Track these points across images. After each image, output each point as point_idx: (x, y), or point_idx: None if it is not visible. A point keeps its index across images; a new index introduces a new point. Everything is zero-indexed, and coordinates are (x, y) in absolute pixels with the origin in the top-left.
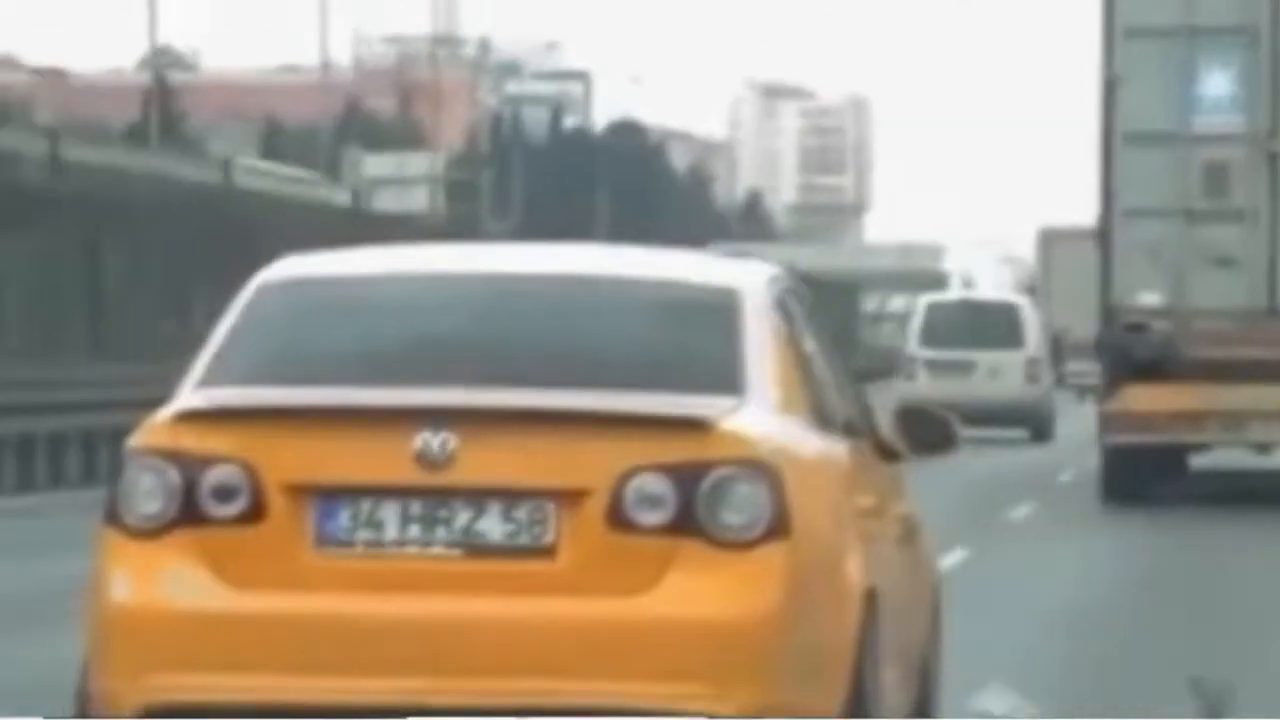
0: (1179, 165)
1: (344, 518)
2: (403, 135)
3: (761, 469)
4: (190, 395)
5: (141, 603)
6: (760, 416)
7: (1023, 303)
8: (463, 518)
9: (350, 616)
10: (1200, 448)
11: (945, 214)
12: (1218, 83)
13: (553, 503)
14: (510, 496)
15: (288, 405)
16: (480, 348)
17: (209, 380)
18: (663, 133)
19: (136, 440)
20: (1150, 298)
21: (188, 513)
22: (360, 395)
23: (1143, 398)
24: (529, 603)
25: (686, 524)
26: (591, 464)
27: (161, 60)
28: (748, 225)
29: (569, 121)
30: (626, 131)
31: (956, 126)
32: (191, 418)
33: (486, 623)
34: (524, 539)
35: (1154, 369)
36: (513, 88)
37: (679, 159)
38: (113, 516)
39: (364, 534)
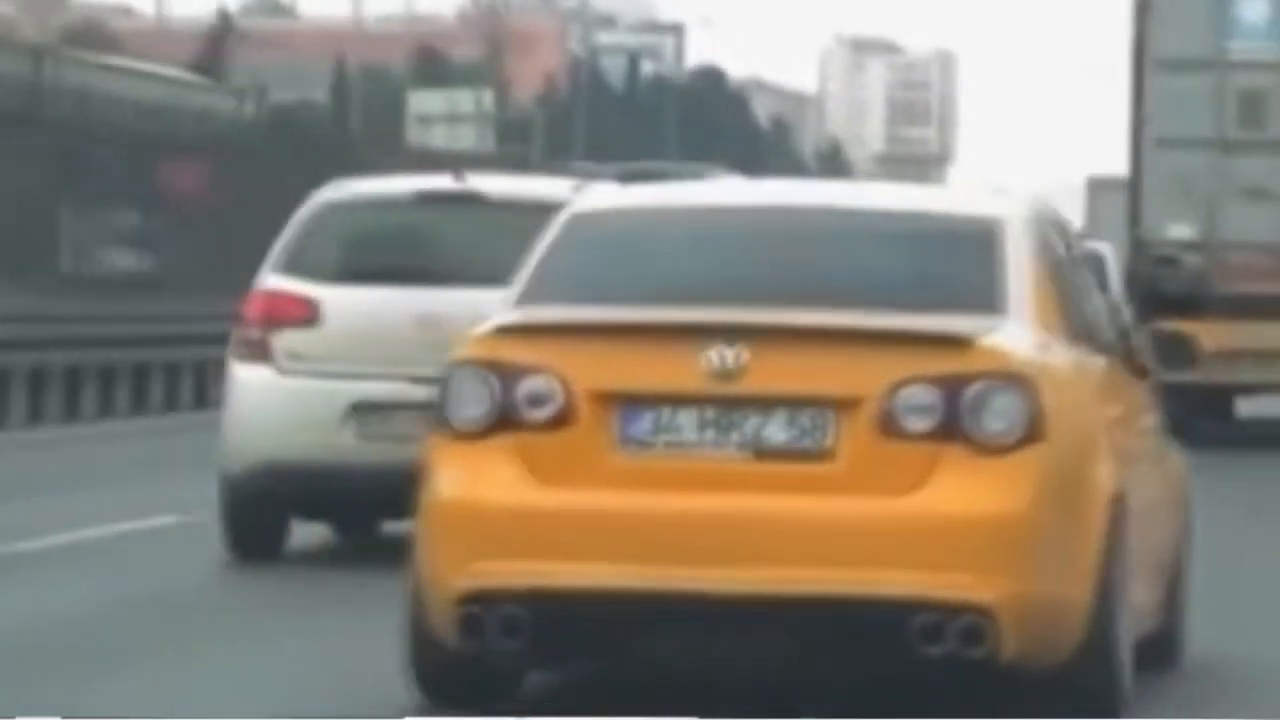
0: (1213, 93)
1: (646, 422)
2: (480, 79)
3: (1018, 380)
4: (508, 312)
5: (465, 497)
6: (1018, 333)
7: (1107, 251)
8: (752, 423)
9: (650, 510)
10: (1245, 390)
11: (1026, 163)
12: (1255, 7)
13: (831, 410)
14: (794, 404)
15: (595, 322)
16: (765, 271)
17: (525, 299)
18: (747, 82)
19: (461, 352)
20: (1181, 230)
21: (506, 417)
22: (660, 313)
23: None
24: (811, 500)
25: (951, 430)
26: (866, 375)
27: (263, 7)
28: (829, 172)
29: (650, 69)
30: (708, 79)
31: (1036, 78)
32: (509, 332)
33: (773, 517)
34: (806, 443)
35: (1184, 304)
36: (605, 38)
37: (768, 110)
38: (439, 420)
39: (663, 437)
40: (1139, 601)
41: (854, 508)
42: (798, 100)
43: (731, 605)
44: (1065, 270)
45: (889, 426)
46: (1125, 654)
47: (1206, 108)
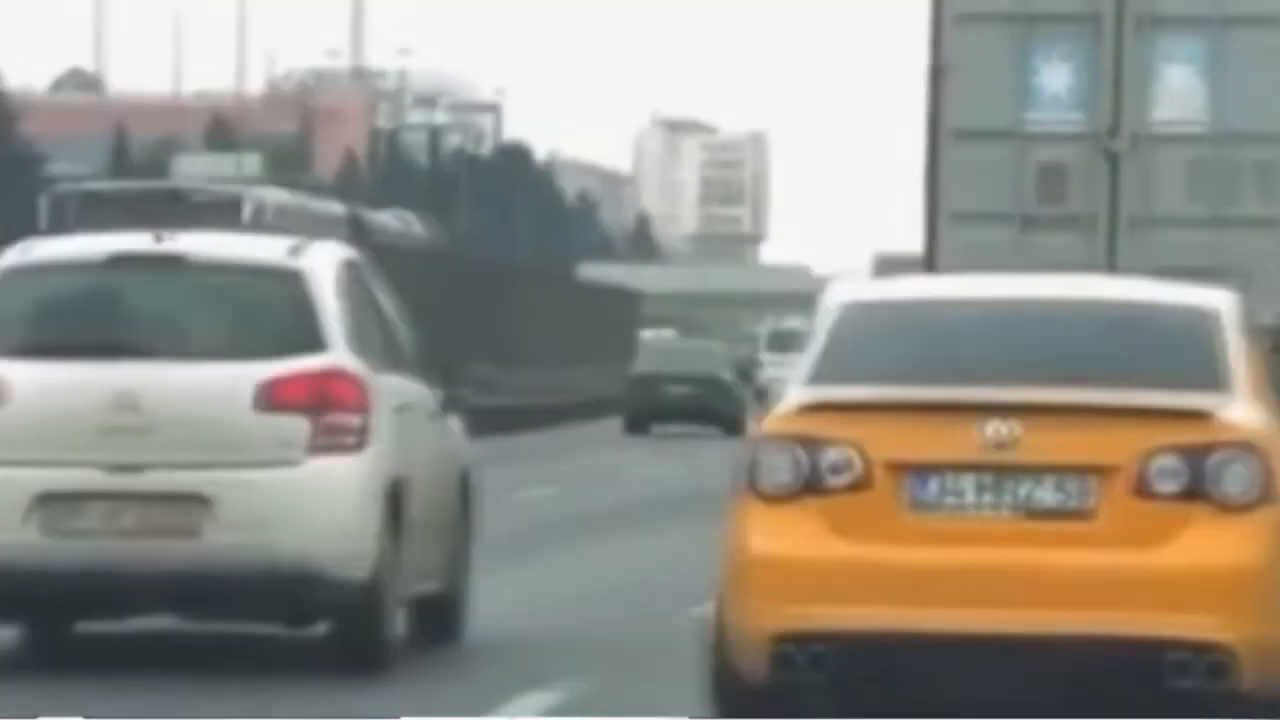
0: (1011, 166)
1: (932, 487)
2: (280, 152)
3: (1253, 449)
4: (803, 392)
5: (776, 551)
6: (1244, 408)
7: None
8: (1024, 487)
9: (937, 563)
10: None
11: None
12: (1056, 76)
13: (1093, 476)
14: (1060, 471)
15: (887, 400)
16: (1022, 354)
17: (815, 379)
18: (564, 161)
19: (768, 427)
20: None
21: (811, 483)
22: (942, 393)
23: None
24: (1076, 553)
25: (1196, 492)
26: (1121, 446)
27: (74, 81)
28: (637, 249)
29: (454, 144)
30: (513, 156)
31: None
32: (813, 409)
33: (1044, 568)
34: (1071, 504)
35: None
36: (418, 117)
37: (585, 188)
38: (749, 485)
39: (947, 499)
40: None
41: (1114, 560)
42: (614, 179)
43: (1007, 643)
44: (1258, 355)
45: (1142, 489)
46: None
47: (1004, 181)
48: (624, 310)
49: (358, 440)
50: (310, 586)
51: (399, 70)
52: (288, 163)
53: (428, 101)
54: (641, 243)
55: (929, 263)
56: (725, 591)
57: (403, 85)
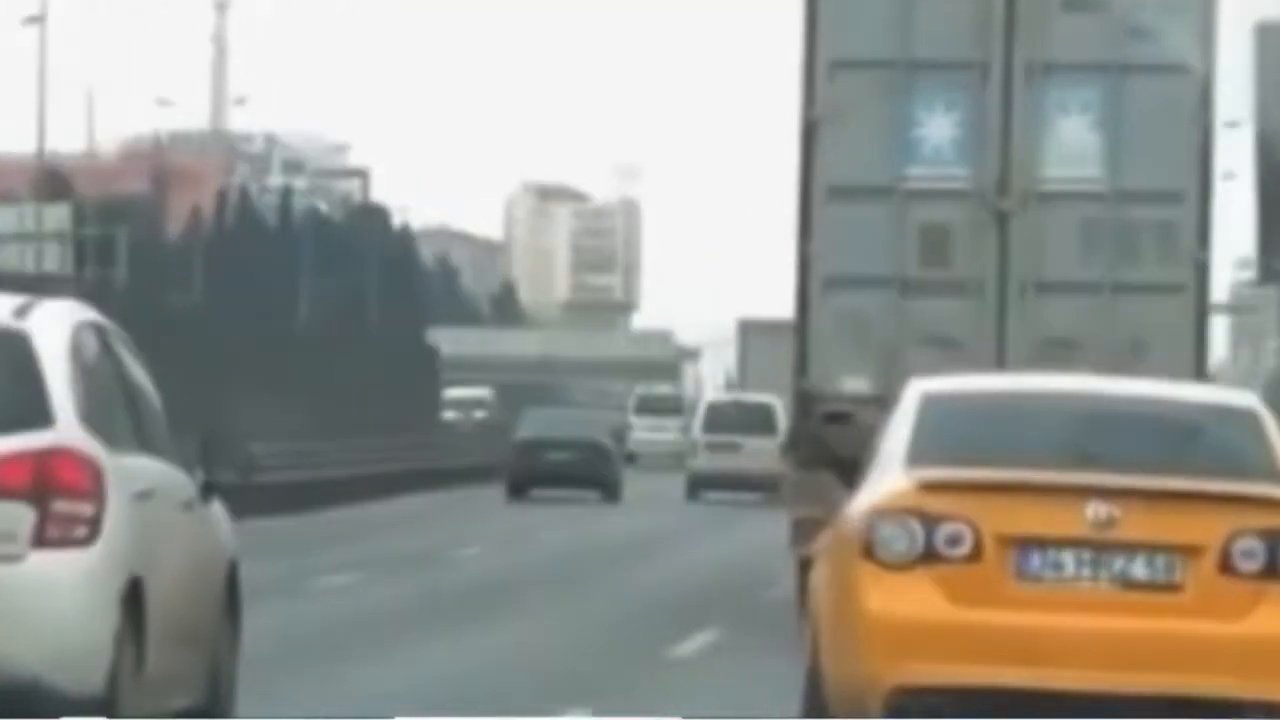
0: (890, 226)
1: (1036, 560)
2: (120, 211)
3: None
4: (908, 472)
5: (896, 614)
6: None
7: (776, 401)
8: (1120, 562)
9: (1042, 628)
10: None
11: (711, 307)
12: (939, 127)
13: (1180, 554)
14: (1153, 549)
15: (999, 481)
16: (1102, 445)
17: (914, 462)
18: (407, 221)
19: (885, 503)
20: (855, 383)
21: (928, 553)
22: (1046, 476)
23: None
24: (1165, 622)
25: (1273, 571)
26: (1207, 528)
27: None
28: (501, 316)
29: (304, 206)
30: (370, 219)
31: (721, 221)
32: (929, 488)
33: (1138, 635)
34: (1161, 578)
35: (858, 468)
36: (283, 181)
37: (456, 256)
38: (868, 554)
39: (1050, 572)
40: None
41: (1199, 629)
42: (487, 247)
43: (1103, 701)
44: None
45: (1225, 567)
46: None
47: (882, 242)
48: (425, 373)
49: (89, 532)
50: (34, 702)
51: (266, 134)
52: (132, 221)
53: (294, 166)
54: (506, 309)
55: (801, 330)
56: (846, 647)
57: (270, 149)
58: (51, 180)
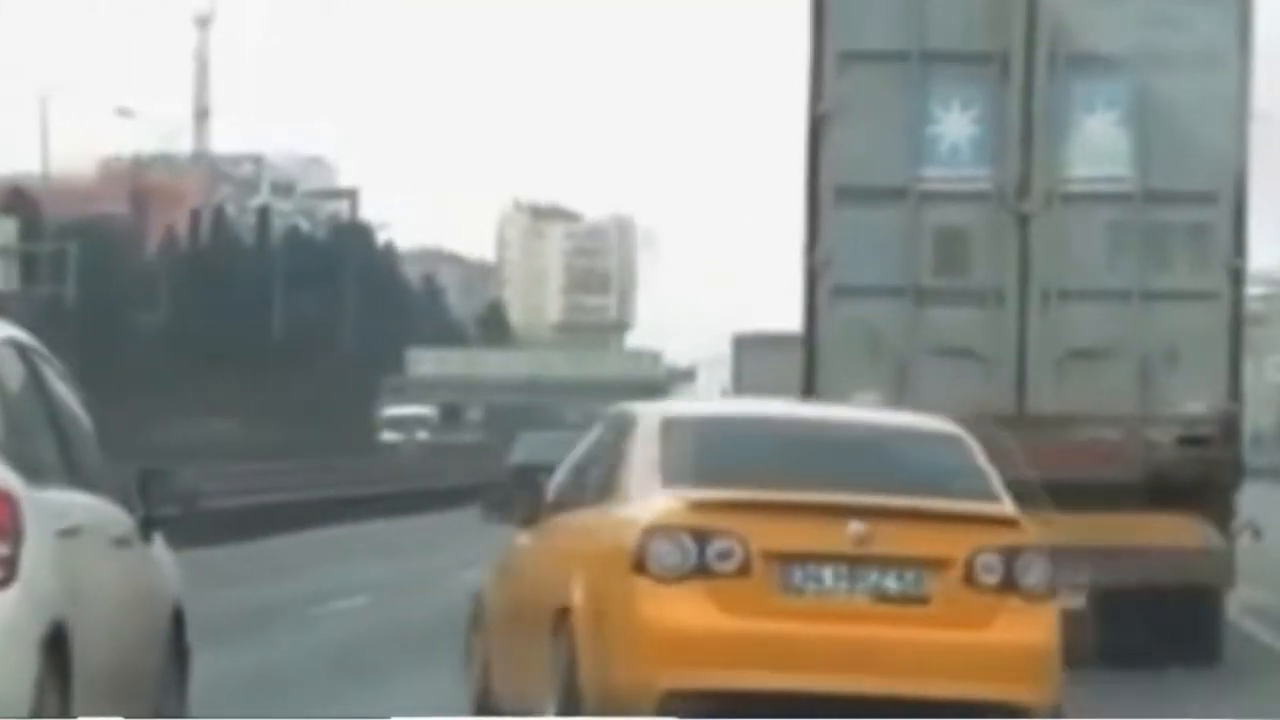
0: (903, 229)
1: (799, 574)
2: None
3: (1043, 549)
4: (671, 492)
5: (669, 624)
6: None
7: None
8: (874, 576)
9: (804, 637)
10: None
11: (710, 325)
12: (956, 124)
13: (928, 568)
14: (903, 563)
15: (767, 500)
16: (844, 467)
17: (671, 483)
18: (391, 241)
19: (658, 520)
20: (866, 398)
21: (699, 567)
22: (808, 496)
23: None
24: (914, 631)
25: (1008, 584)
26: (952, 544)
27: None
28: (488, 336)
29: (285, 225)
30: (354, 238)
31: (716, 239)
32: (700, 507)
33: (888, 643)
34: (911, 590)
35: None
36: (273, 203)
37: (446, 277)
38: (640, 569)
39: (812, 585)
40: None
41: (944, 638)
42: (478, 267)
43: (859, 703)
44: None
45: (969, 580)
46: None
47: (896, 248)
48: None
49: (4, 574)
50: None
51: (254, 155)
52: (107, 240)
53: (283, 188)
54: (494, 330)
55: (808, 341)
56: (619, 653)
57: (258, 171)
58: (14, 197)
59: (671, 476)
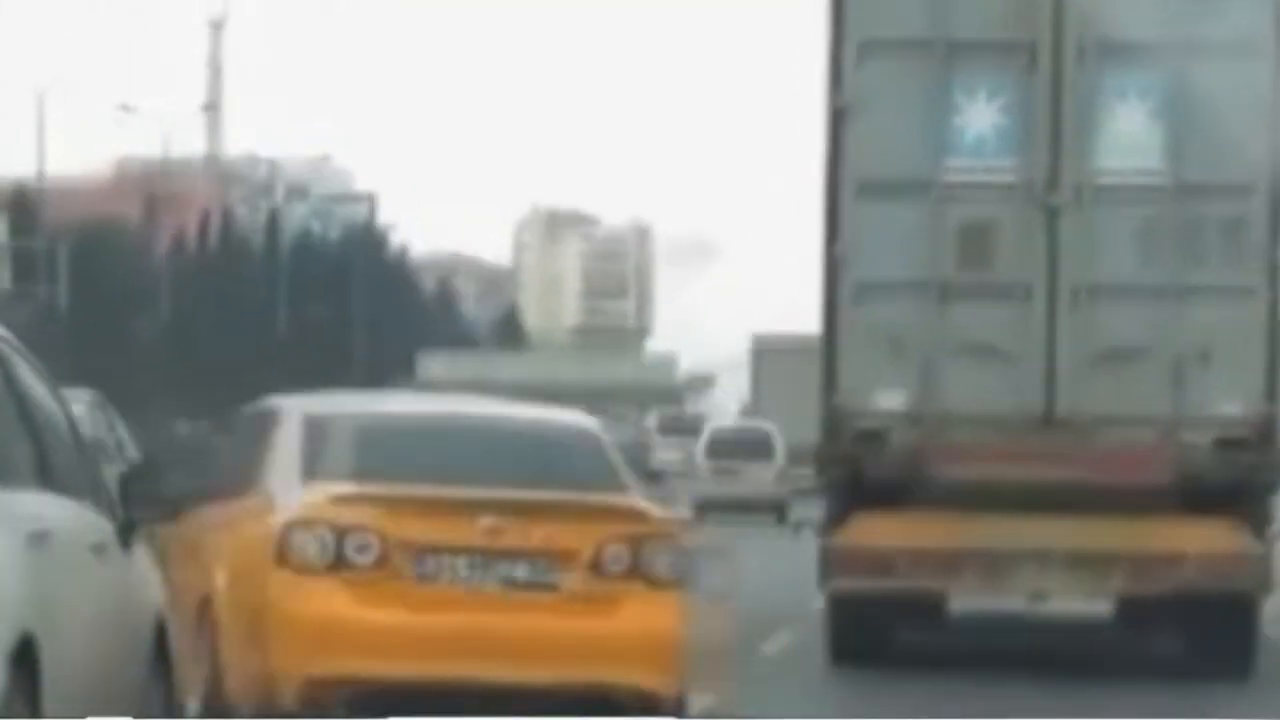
0: (927, 224)
1: (433, 565)
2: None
3: (674, 537)
4: (311, 486)
5: (309, 614)
6: (648, 504)
7: (773, 428)
8: (504, 567)
9: (437, 625)
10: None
11: (733, 328)
12: (981, 115)
13: (557, 558)
14: (534, 554)
15: (402, 495)
16: (482, 463)
17: (312, 477)
18: (406, 245)
19: (297, 515)
20: (890, 399)
21: (338, 560)
22: (441, 491)
23: (878, 530)
24: (544, 619)
25: (634, 573)
26: (580, 535)
27: None
28: (504, 341)
29: (297, 230)
30: (366, 242)
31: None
32: (338, 501)
33: (519, 631)
34: (541, 580)
35: (893, 493)
36: (286, 207)
37: (463, 283)
38: (282, 561)
39: (445, 575)
40: None
41: (575, 625)
42: (495, 273)
43: (493, 688)
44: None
45: (596, 569)
46: None
47: (919, 244)
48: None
49: None
50: None
51: (269, 159)
52: (111, 242)
53: (298, 191)
54: (509, 335)
55: (828, 341)
56: (266, 643)
57: (273, 175)
58: (15, 197)
59: (312, 471)
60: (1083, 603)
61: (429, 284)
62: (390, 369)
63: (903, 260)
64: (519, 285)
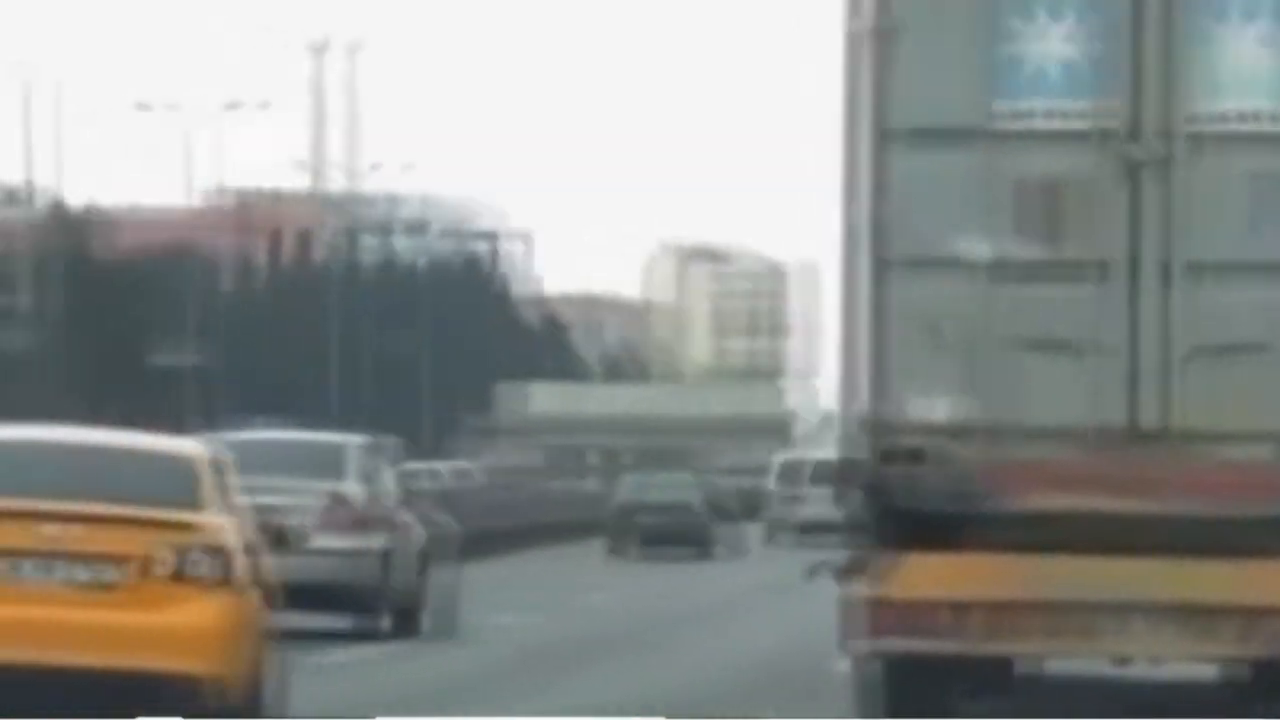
0: (975, 182)
1: (4, 567)
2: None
3: (216, 546)
4: None
5: None
6: (216, 519)
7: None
8: (65, 568)
9: (7, 618)
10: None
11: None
12: (1043, 42)
13: (112, 562)
14: (90, 558)
15: None
16: (59, 480)
17: None
18: (507, 277)
19: None
20: (928, 406)
21: None
22: (6, 504)
23: (915, 578)
24: (101, 614)
25: (179, 575)
26: (133, 542)
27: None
28: (615, 375)
29: (401, 258)
30: (469, 274)
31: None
32: None
33: (78, 623)
34: (98, 580)
35: (935, 529)
36: (405, 241)
37: (597, 324)
38: None
39: (13, 575)
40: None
41: (128, 619)
42: (626, 308)
43: (34, 672)
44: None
45: (147, 571)
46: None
47: (965, 206)
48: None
49: None
50: None
51: (388, 195)
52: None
53: (417, 227)
54: (620, 371)
55: (847, 331)
56: None
57: (391, 209)
58: (58, 228)
59: None
60: (1182, 666)
61: (568, 317)
62: (463, 401)
63: (945, 228)
64: (649, 321)
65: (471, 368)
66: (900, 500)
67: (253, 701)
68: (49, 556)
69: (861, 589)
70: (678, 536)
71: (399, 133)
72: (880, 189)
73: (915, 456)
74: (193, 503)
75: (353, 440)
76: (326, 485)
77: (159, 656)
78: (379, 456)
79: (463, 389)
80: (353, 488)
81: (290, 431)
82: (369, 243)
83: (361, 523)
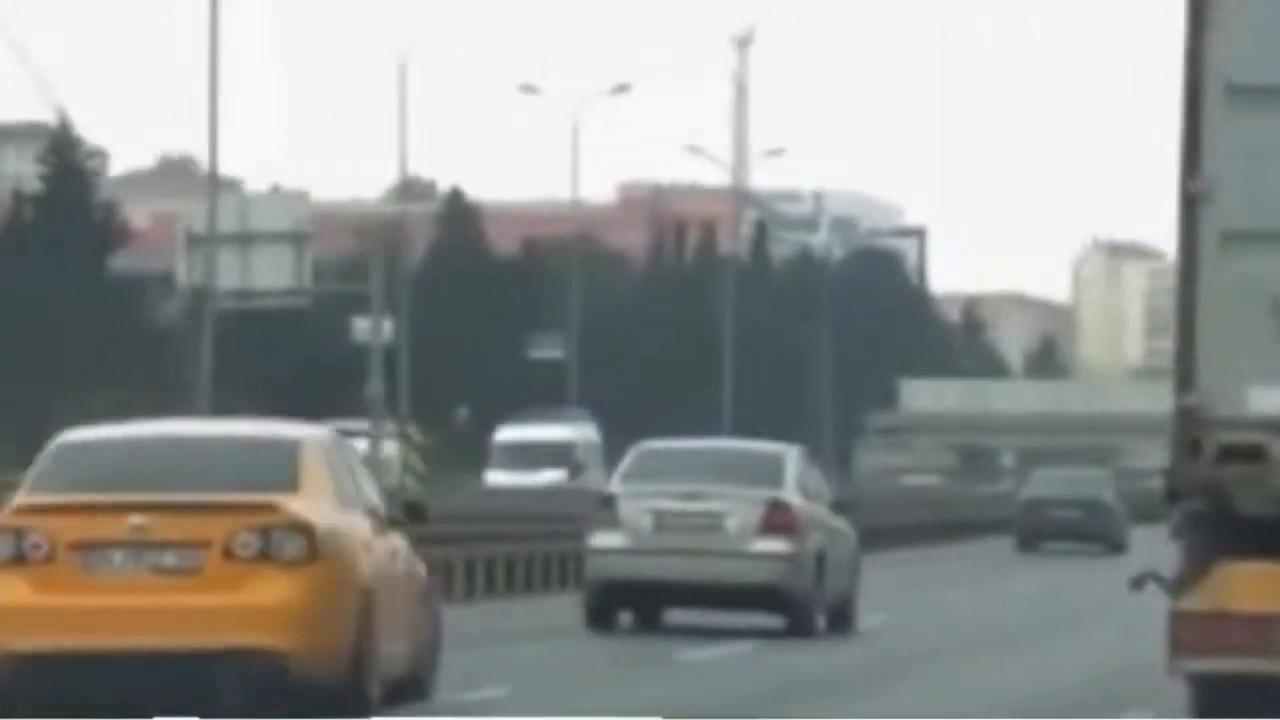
0: None
1: (93, 558)
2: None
3: (296, 525)
4: (20, 498)
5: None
6: (304, 502)
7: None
8: (152, 555)
9: (99, 606)
10: None
11: None
12: None
13: (196, 547)
14: (174, 545)
15: (63, 503)
16: (150, 470)
17: (34, 490)
18: (911, 275)
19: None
20: (1272, 398)
21: (17, 557)
22: (97, 497)
23: (1255, 589)
24: (188, 598)
25: (263, 555)
26: (220, 525)
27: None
28: (1038, 372)
29: (799, 248)
30: (872, 265)
31: None
32: (19, 510)
33: (167, 608)
34: (184, 565)
35: (1277, 536)
36: (830, 238)
37: (1018, 323)
38: None
39: (103, 565)
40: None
41: (213, 601)
42: (1051, 308)
43: (151, 658)
44: (346, 466)
45: (229, 554)
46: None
47: None
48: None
49: None
50: None
51: (814, 191)
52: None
53: (845, 225)
54: (1044, 368)
55: (1184, 312)
56: None
57: (818, 207)
58: (381, 231)
59: (34, 486)
60: None
61: (986, 315)
62: (866, 396)
63: None
64: (1076, 320)
65: (879, 365)
66: (1239, 505)
67: (354, 672)
68: (138, 546)
69: (1193, 602)
70: (1087, 532)
71: (783, 125)
72: (1223, 158)
73: (1256, 455)
74: (289, 485)
75: (791, 449)
76: (766, 492)
77: (241, 634)
78: (813, 463)
79: (867, 387)
80: (791, 494)
81: (732, 440)
82: (784, 237)
83: (799, 527)
